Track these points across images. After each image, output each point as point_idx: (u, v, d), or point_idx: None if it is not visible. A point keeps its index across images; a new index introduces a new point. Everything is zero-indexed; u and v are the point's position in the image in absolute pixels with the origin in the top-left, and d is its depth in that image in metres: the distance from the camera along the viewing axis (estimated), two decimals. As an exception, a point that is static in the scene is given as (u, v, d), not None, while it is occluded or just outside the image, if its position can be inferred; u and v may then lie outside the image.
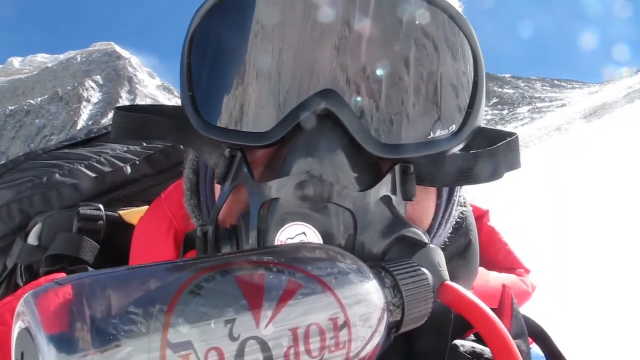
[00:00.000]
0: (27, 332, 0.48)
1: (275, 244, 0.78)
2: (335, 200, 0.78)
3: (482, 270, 1.14)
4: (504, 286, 0.97)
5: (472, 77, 0.88)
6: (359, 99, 0.83)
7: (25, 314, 0.48)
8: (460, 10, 0.98)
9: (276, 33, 0.86)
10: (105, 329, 0.45)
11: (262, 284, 0.55)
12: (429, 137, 0.86)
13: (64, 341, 0.44)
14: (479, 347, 0.96)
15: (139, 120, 0.99)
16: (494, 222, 1.41)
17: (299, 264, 0.60)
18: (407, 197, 0.84)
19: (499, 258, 1.34)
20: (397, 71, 0.85)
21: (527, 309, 1.19)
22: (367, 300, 0.62)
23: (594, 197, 13.32)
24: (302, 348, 0.54)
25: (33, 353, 0.46)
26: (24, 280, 1.30)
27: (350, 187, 0.79)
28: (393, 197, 0.83)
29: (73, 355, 0.44)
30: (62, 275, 1.09)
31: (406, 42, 0.85)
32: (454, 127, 0.87)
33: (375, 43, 0.85)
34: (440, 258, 0.81)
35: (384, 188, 0.82)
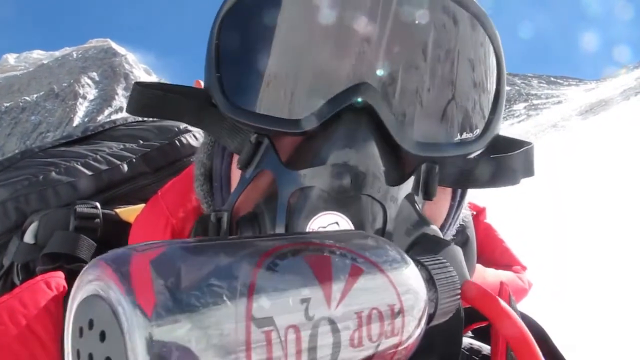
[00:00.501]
0: (98, 298, 0.45)
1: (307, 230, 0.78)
2: (368, 191, 0.79)
3: (479, 267, 1.14)
4: (501, 283, 0.97)
5: (495, 83, 0.91)
6: (395, 95, 0.85)
7: (98, 279, 0.46)
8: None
9: (315, 19, 0.86)
10: (191, 296, 0.44)
11: (330, 265, 0.55)
12: (455, 139, 0.88)
13: (151, 306, 0.42)
14: (477, 344, 0.96)
15: (156, 97, 0.98)
16: (490, 219, 1.41)
17: (358, 250, 0.60)
18: (428, 196, 0.86)
19: (496, 255, 1.34)
20: (432, 72, 0.87)
21: (524, 306, 1.20)
22: (415, 290, 0.62)
23: (589, 193, 13.35)
24: (364, 333, 0.54)
25: (109, 321, 0.44)
26: (20, 279, 1.30)
27: (383, 180, 0.80)
28: (415, 195, 0.84)
29: (161, 319, 0.42)
30: (59, 273, 1.09)
31: (443, 45, 0.88)
32: (477, 131, 0.90)
33: (414, 44, 0.86)
34: (462, 257, 0.82)
35: (410, 185, 0.84)
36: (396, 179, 0.83)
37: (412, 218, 0.83)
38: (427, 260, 0.71)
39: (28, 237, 1.32)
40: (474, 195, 1.17)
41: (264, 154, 0.85)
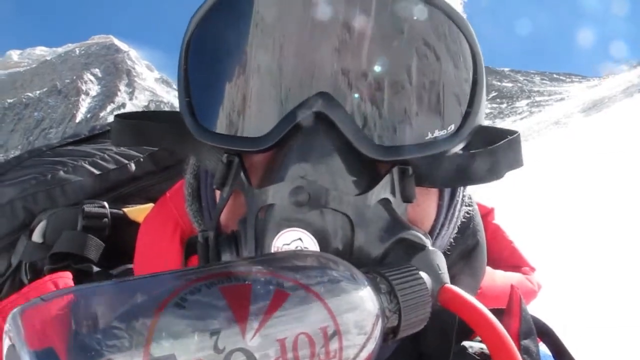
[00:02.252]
0: (13, 348, 0.48)
1: (272, 249, 0.77)
2: (330, 204, 0.77)
3: (488, 269, 1.13)
4: (512, 286, 0.97)
5: (471, 75, 0.87)
6: (354, 100, 0.83)
7: (11, 331, 0.48)
8: (460, 6, 0.97)
9: (270, 37, 0.85)
10: (89, 344, 0.45)
11: (248, 294, 0.55)
12: (426, 138, 0.85)
13: (46, 357, 0.45)
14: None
15: (136, 127, 0.99)
16: (498, 219, 1.40)
17: (287, 273, 0.60)
18: (407, 198, 0.83)
19: (504, 256, 1.34)
20: (393, 71, 0.84)
21: (533, 307, 1.19)
22: (359, 307, 0.61)
23: (592, 191, 13.34)
24: (290, 358, 0.53)
25: None
26: (29, 278, 1.30)
27: (346, 190, 0.79)
28: (392, 198, 0.82)
29: None
30: (67, 273, 1.09)
31: (402, 42, 0.85)
32: (452, 127, 0.86)
33: (370, 43, 0.83)
34: (440, 260, 0.80)
35: (382, 190, 0.82)
36: (366, 185, 0.81)
37: (387, 223, 0.81)
38: (390, 270, 0.70)
39: (36, 236, 1.32)
40: (474, 192, 1.17)
41: (235, 173, 0.86)
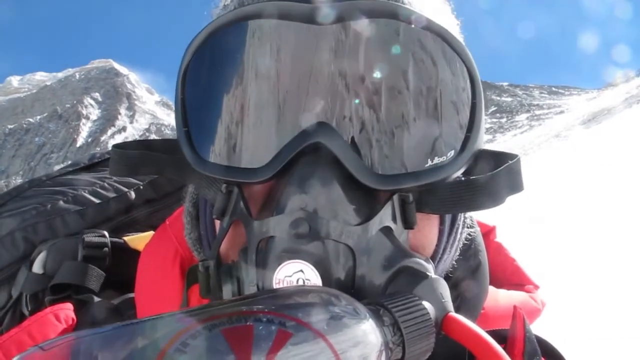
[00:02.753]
0: None
1: (274, 281, 0.77)
2: (331, 236, 0.77)
3: (491, 289, 1.12)
4: (515, 307, 0.96)
5: (470, 100, 0.87)
6: (353, 130, 0.83)
7: None
8: (457, 27, 0.97)
9: (267, 67, 0.85)
10: None
11: (250, 336, 0.54)
12: (426, 165, 0.84)
13: None
14: None
15: (135, 158, 0.99)
16: (500, 237, 1.40)
17: (289, 311, 0.59)
18: (408, 225, 0.83)
19: (507, 274, 1.33)
20: (391, 101, 0.84)
21: (538, 324, 1.18)
22: (363, 342, 0.61)
23: (593, 203, 13.30)
24: None
25: None
26: (29, 309, 1.29)
27: (347, 220, 0.79)
28: (393, 226, 0.82)
29: None
30: (68, 305, 1.09)
31: (400, 71, 0.84)
32: (452, 153, 0.86)
33: (368, 74, 0.84)
34: (443, 288, 0.79)
35: (383, 218, 0.81)
36: (367, 214, 0.81)
37: (389, 252, 0.80)
38: (393, 302, 0.69)
39: (37, 267, 1.32)
40: (477, 213, 1.16)
41: (235, 204, 0.85)
